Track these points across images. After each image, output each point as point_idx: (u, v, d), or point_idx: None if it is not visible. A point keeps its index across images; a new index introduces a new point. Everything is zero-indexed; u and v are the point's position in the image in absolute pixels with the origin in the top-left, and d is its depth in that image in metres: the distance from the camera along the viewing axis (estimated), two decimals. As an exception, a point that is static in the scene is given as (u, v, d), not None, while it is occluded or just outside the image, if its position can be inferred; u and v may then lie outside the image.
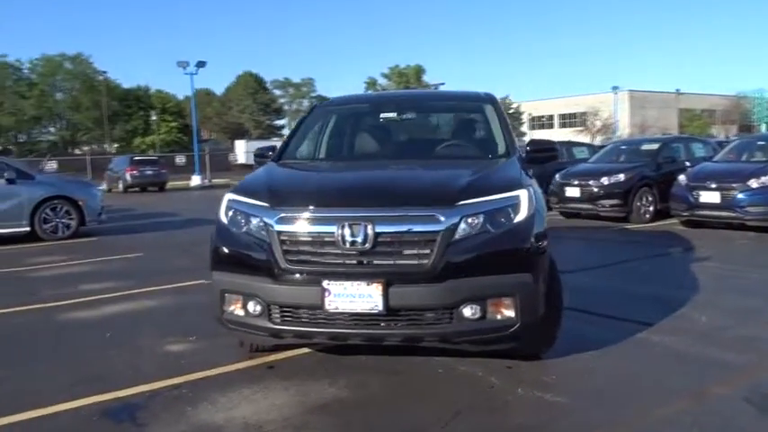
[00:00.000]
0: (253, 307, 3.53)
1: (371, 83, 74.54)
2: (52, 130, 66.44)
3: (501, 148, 4.48)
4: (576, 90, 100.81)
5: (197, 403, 3.45)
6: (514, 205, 3.49)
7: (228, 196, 3.85)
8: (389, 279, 3.27)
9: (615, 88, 60.28)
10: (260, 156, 4.78)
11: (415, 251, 3.31)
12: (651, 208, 11.48)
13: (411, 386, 3.63)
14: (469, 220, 3.37)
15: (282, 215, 3.48)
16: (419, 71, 72.62)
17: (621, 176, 11.54)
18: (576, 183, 11.93)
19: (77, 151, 60.88)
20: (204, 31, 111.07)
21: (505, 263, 3.38)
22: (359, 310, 3.30)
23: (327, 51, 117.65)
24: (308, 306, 3.39)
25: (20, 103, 59.17)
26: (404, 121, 5.06)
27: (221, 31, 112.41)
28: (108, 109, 60.23)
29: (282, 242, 3.43)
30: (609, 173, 11.73)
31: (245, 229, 3.60)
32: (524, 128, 70.47)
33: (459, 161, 4.32)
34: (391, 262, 3.32)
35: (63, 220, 11.07)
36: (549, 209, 13.41)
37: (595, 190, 11.61)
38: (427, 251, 3.29)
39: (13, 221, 10.63)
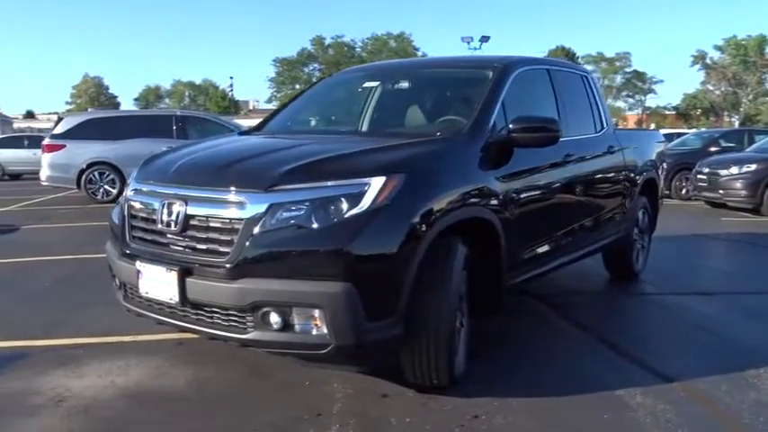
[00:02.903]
0: (114, 282, 3.44)
1: (700, 56, 66.45)
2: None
3: (464, 126, 3.54)
4: None
5: (58, 366, 3.50)
6: (352, 195, 2.74)
7: None
8: (188, 268, 2.86)
9: None
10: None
11: (218, 240, 2.83)
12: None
13: (261, 390, 3.17)
14: (281, 210, 2.74)
15: (134, 187, 3.31)
16: (762, 42, 62.27)
17: (753, 166, 11.11)
18: (708, 171, 11.77)
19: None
20: (514, 5, 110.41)
21: (317, 266, 2.68)
22: (161, 298, 2.97)
23: (649, 24, 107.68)
24: (132, 286, 3.17)
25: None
26: (391, 92, 4.34)
27: (532, 5, 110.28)
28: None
29: (130, 216, 3.25)
30: (740, 162, 11.38)
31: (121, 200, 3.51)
32: None
33: (393, 139, 3.54)
34: (194, 249, 2.89)
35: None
36: (688, 198, 12.96)
37: (724, 179, 11.32)
38: (229, 242, 2.79)
39: None
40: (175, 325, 3.07)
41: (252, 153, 3.25)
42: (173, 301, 2.90)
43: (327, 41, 72.87)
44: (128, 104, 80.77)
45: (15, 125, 54.75)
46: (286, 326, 2.73)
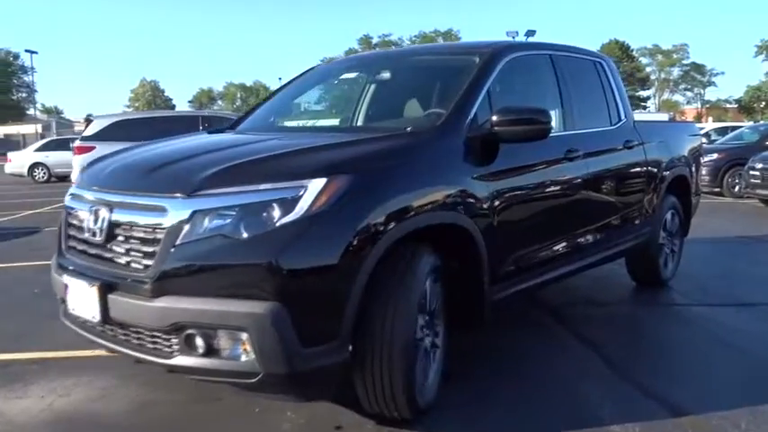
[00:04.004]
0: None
1: (765, 46, 63.37)
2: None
3: (436, 120, 3.13)
4: None
5: (3, 385, 3.26)
6: (286, 201, 2.37)
7: None
8: (110, 284, 2.54)
9: None
10: None
11: (140, 252, 2.51)
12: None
13: (204, 417, 2.84)
14: (206, 217, 2.40)
15: (71, 192, 3.03)
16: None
17: None
18: (761, 167, 11.07)
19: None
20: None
21: (243, 283, 2.33)
22: (86, 316, 2.67)
23: (708, 13, 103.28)
24: (63, 301, 2.88)
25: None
26: (371, 84, 3.93)
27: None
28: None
29: (66, 224, 2.97)
30: None
31: None
32: None
33: (359, 134, 3.16)
34: (118, 261, 2.58)
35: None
36: (740, 196, 12.03)
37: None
38: (151, 254, 2.46)
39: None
40: (104, 346, 2.77)
41: (192, 153, 2.91)
42: (95, 320, 2.60)
43: (375, 41, 72.83)
44: (182, 106, 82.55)
45: (76, 128, 56.57)
46: (211, 351, 2.39)
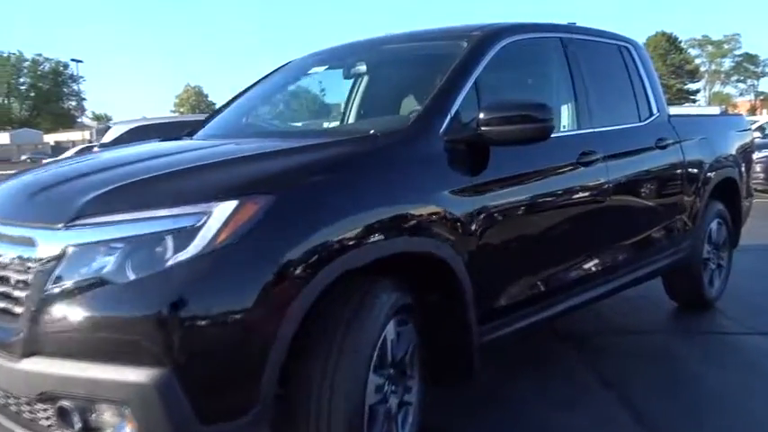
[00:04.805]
0: None
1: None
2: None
3: (407, 120, 2.53)
4: None
5: None
6: (182, 231, 1.79)
7: None
8: (-20, 337, 2.02)
9: None
10: None
11: (12, 296, 1.97)
12: None
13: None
14: (83, 253, 1.84)
15: None
16: None
17: None
18: None
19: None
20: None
21: (125, 342, 1.77)
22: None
23: (759, 3, 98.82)
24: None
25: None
26: (343, 78, 3.32)
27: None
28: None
29: None
30: None
31: None
32: None
33: (312, 139, 2.57)
34: (-10, 307, 2.05)
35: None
36: None
37: None
38: (21, 299, 1.92)
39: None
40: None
41: (94, 169, 2.36)
42: (-37, 381, 2.07)
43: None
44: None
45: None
46: (89, 429, 1.83)
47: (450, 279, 2.35)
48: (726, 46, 66.35)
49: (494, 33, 2.85)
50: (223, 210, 1.81)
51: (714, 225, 4.32)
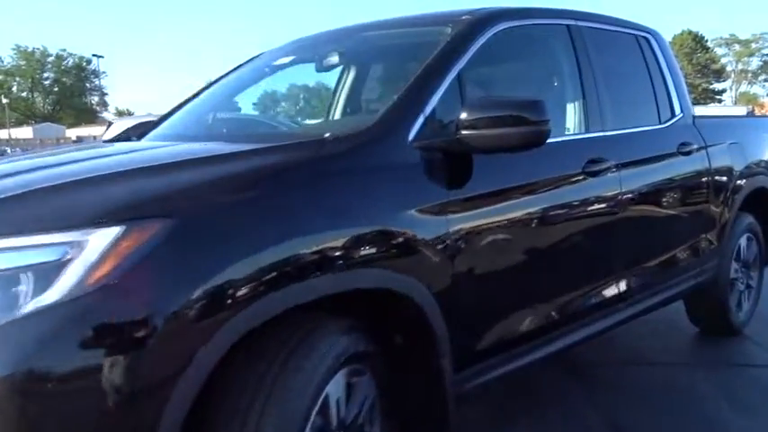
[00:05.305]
0: None
1: None
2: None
3: (368, 121, 2.08)
4: None
5: None
6: (45, 268, 1.37)
7: None
8: None
9: None
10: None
11: None
12: None
13: None
14: None
15: None
16: None
17: None
18: None
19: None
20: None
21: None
22: None
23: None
24: None
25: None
26: (313, 71, 2.86)
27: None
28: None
29: None
30: None
31: None
32: None
33: (257, 143, 2.12)
34: None
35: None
36: None
37: None
38: None
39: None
40: None
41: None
42: None
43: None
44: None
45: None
46: None
47: (417, 319, 1.90)
48: (753, 45, 64.76)
49: (485, 18, 2.38)
50: (101, 238, 1.38)
51: (743, 241, 3.82)
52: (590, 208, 2.54)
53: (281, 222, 1.59)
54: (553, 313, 2.42)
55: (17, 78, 68.32)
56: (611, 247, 2.69)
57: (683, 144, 3.19)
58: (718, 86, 66.97)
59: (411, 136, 1.98)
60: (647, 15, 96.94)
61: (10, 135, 47.58)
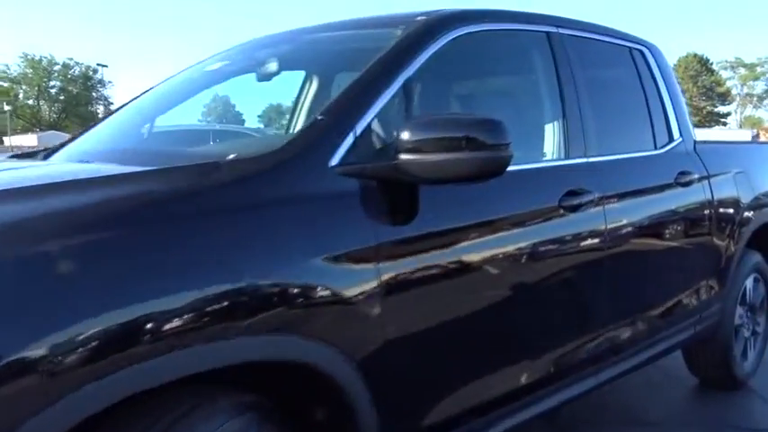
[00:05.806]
0: None
1: None
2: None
3: (280, 141, 1.67)
4: None
5: None
6: None
7: None
8: None
9: None
10: None
11: None
12: None
13: None
14: None
15: None
16: None
17: None
18: None
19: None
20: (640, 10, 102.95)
21: None
22: None
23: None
24: None
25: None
26: (249, 79, 2.45)
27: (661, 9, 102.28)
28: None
29: None
30: None
31: None
32: None
33: (156, 164, 1.71)
34: None
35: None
36: None
37: None
38: None
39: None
40: None
41: None
42: None
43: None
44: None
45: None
46: None
47: (336, 394, 1.48)
48: (759, 69, 64.62)
49: (440, 20, 1.97)
50: None
51: (750, 282, 3.39)
52: (567, 249, 2.12)
53: (144, 272, 1.17)
54: (521, 378, 1.99)
55: (23, 86, 68.39)
56: (593, 296, 2.27)
57: (682, 173, 2.78)
58: (722, 109, 66.72)
59: (335, 160, 1.56)
60: (653, 37, 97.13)
61: (11, 143, 47.26)
